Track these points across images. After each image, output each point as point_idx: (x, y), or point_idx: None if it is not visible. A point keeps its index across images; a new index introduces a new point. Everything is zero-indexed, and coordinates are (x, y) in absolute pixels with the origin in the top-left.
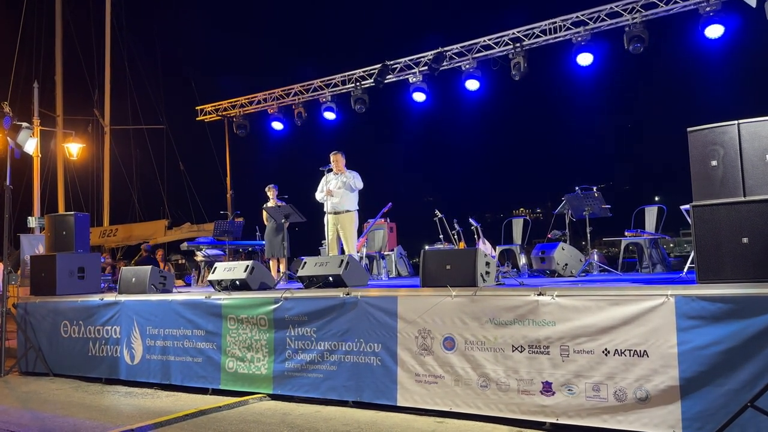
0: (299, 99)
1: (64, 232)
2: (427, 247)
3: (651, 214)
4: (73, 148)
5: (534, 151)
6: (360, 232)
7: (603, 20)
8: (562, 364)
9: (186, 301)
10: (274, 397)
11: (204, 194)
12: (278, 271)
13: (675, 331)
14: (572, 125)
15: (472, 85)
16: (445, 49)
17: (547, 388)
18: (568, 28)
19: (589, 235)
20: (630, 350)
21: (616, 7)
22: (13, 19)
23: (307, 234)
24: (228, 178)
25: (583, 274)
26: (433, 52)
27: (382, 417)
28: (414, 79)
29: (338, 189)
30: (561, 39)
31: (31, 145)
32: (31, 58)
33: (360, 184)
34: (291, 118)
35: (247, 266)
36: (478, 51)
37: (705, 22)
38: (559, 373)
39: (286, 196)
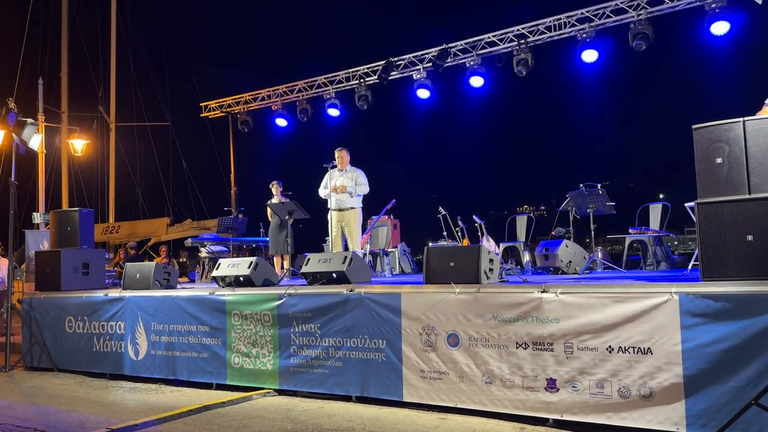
0: (303, 95)
1: (69, 228)
2: (430, 244)
3: (655, 211)
4: (78, 144)
5: (538, 148)
6: (364, 229)
7: (608, 17)
8: (566, 361)
9: (190, 297)
10: (280, 392)
11: (209, 191)
12: (282, 267)
13: (679, 329)
14: (577, 122)
15: (477, 81)
16: (450, 45)
17: (552, 385)
18: (573, 25)
19: (593, 232)
20: (634, 347)
21: (621, 3)
22: (19, 16)
23: (310, 230)
24: (232, 175)
25: (587, 271)
26: (437, 48)
27: (385, 413)
28: (418, 76)
29: (342, 186)
30: (566, 36)
31: (35, 142)
32: (37, 55)
33: (366, 189)
34: (295, 114)
35: (251, 262)
36: (483, 47)
37: (710, 18)
38: (564, 370)
39: (290, 193)
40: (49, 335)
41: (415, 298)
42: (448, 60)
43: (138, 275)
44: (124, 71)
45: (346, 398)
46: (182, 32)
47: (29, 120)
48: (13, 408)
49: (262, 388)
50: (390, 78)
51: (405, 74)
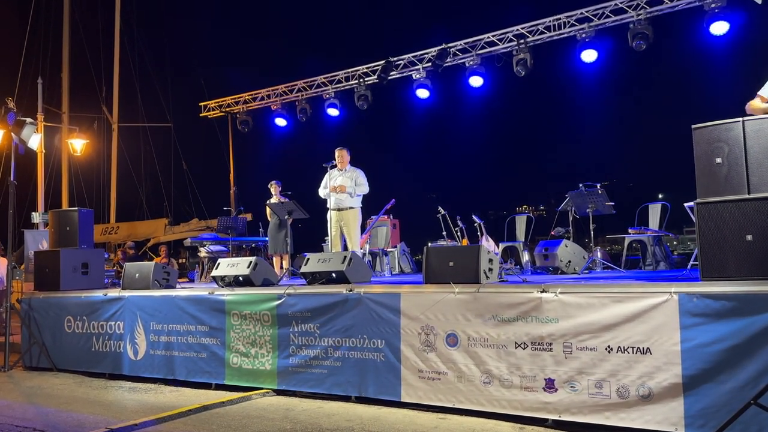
0: (303, 95)
1: (68, 228)
2: (430, 244)
3: (655, 211)
4: (77, 144)
5: (537, 148)
6: (363, 229)
7: (607, 17)
8: (565, 361)
9: (189, 296)
10: (278, 392)
11: (210, 191)
12: (281, 267)
13: (678, 329)
14: (576, 122)
15: (476, 81)
16: (449, 45)
17: (550, 385)
18: (573, 25)
19: (592, 232)
20: (633, 347)
21: (621, 3)
22: (22, 16)
23: (310, 230)
24: (231, 175)
25: (587, 271)
26: (436, 48)
27: (384, 413)
28: (417, 76)
29: (342, 186)
30: (565, 35)
31: (34, 141)
32: (39, 55)
33: (365, 189)
34: (294, 114)
35: (251, 262)
36: (482, 47)
37: (710, 18)
38: (562, 370)
39: (290, 193)
40: (48, 335)
41: (414, 298)
42: (448, 60)
43: (137, 275)
44: (126, 72)
45: (345, 398)
46: (183, 33)
47: (28, 119)
48: (12, 408)
49: (261, 388)
50: (389, 78)
51: (404, 74)
